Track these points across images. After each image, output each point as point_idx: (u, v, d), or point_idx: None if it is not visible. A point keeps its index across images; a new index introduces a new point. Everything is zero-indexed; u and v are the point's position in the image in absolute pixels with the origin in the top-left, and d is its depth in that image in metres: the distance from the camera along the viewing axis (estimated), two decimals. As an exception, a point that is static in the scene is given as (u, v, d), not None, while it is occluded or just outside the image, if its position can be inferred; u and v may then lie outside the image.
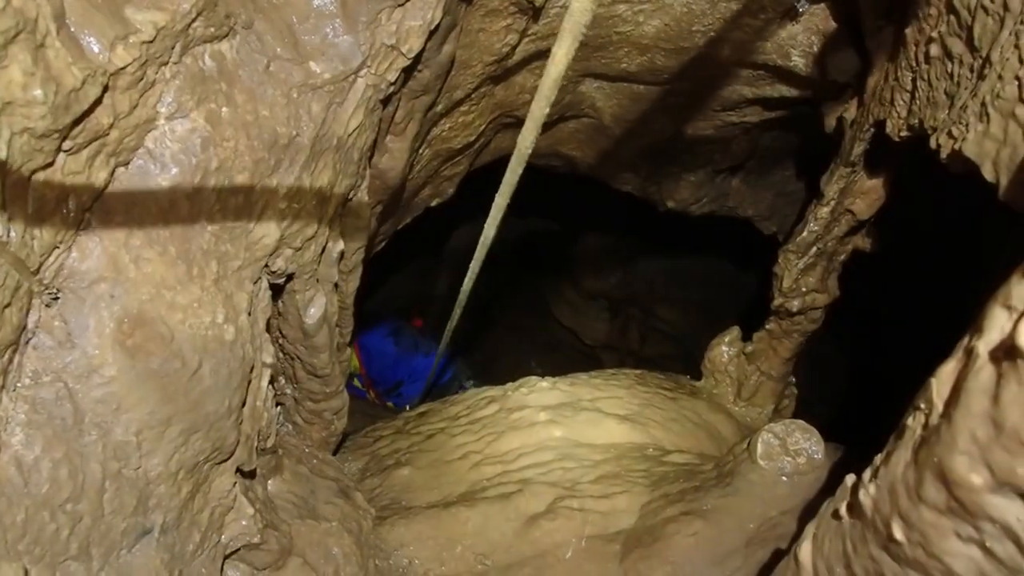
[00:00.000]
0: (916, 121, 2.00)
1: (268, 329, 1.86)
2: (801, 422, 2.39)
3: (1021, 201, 1.43)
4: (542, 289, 7.34)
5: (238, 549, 1.81)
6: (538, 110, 1.42)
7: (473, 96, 2.77)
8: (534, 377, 3.11)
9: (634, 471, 2.58)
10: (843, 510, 1.29)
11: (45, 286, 1.31)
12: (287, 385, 2.42)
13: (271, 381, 1.89)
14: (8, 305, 1.20)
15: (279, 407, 2.44)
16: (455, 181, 3.38)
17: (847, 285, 3.08)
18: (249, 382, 1.72)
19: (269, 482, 2.10)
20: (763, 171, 4.27)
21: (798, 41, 2.75)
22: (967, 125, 1.58)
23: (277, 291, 2.01)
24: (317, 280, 2.08)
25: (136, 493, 1.46)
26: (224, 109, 1.55)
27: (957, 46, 1.73)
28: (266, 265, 1.77)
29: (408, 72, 2.08)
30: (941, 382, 1.07)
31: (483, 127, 3.05)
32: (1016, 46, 1.44)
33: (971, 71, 1.67)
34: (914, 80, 2.02)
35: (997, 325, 0.97)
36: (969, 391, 0.96)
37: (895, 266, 3.94)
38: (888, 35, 2.27)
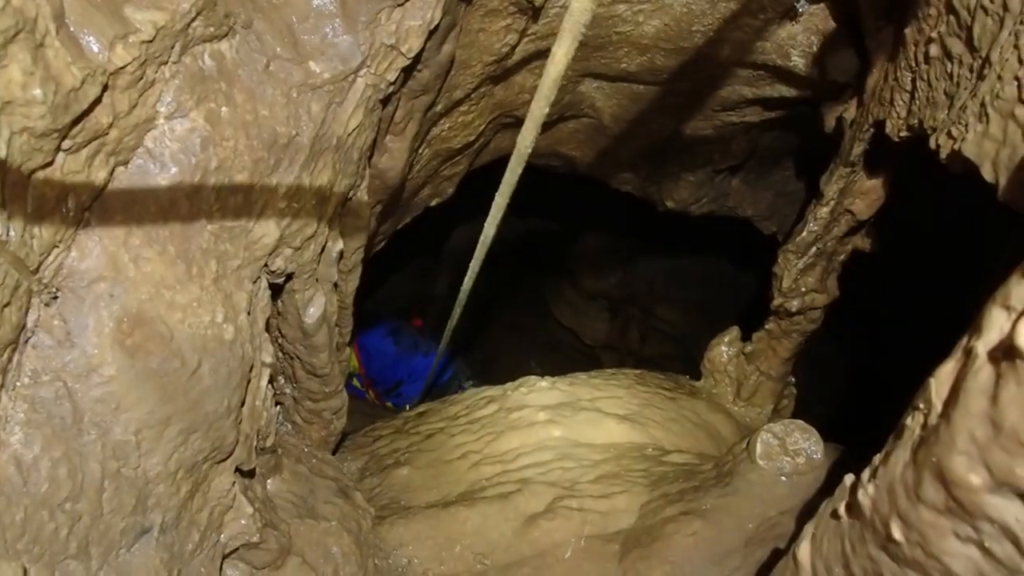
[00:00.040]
0: (916, 121, 2.00)
1: (267, 329, 1.86)
2: (800, 422, 2.39)
3: (1020, 201, 1.43)
4: (542, 289, 7.34)
5: (237, 548, 1.81)
6: (538, 110, 1.42)
7: (473, 96, 2.77)
8: (533, 377, 3.11)
9: (633, 471, 2.58)
10: (842, 510, 1.29)
11: (44, 285, 1.31)
12: (286, 384, 2.42)
13: (270, 380, 1.89)
14: (7, 304, 1.20)
15: (278, 406, 2.44)
16: (455, 181, 3.38)
17: (846, 285, 3.08)
18: (248, 381, 1.72)
19: (268, 481, 2.10)
20: (763, 171, 4.28)
21: (798, 41, 2.75)
22: (966, 125, 1.58)
23: (276, 291, 2.01)
24: (316, 280, 2.08)
25: (135, 492, 1.46)
26: (224, 109, 1.55)
27: (957, 46, 1.73)
28: (265, 264, 1.77)
29: (408, 72, 2.08)
30: (940, 382, 1.07)
31: (483, 127, 3.05)
32: (1015, 46, 1.44)
33: (971, 71, 1.67)
34: (914, 80, 2.02)
35: (996, 325, 0.97)
36: (968, 391, 0.96)
37: (895, 266, 3.94)
38: (888, 35, 2.27)
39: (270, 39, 1.64)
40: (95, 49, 1.27)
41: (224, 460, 1.70)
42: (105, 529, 1.41)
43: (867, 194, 2.68)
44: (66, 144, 1.25)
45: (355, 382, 5.15)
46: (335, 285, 2.22)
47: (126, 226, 1.43)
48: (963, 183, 1.66)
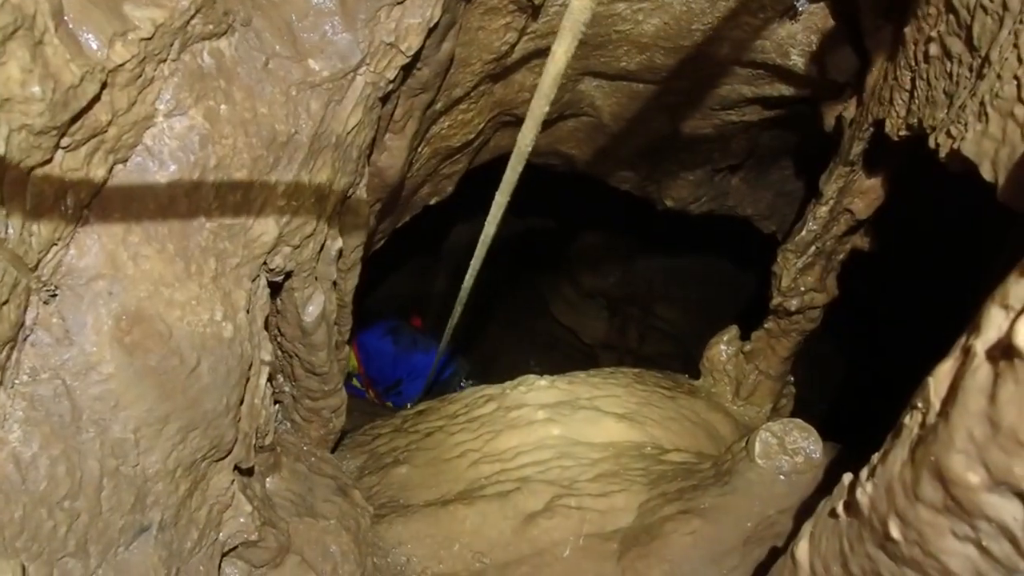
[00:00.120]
0: (915, 120, 2.00)
1: (266, 327, 1.86)
2: (799, 421, 2.39)
3: (1019, 200, 1.43)
4: (541, 288, 7.34)
5: (236, 547, 1.81)
6: (538, 108, 1.42)
7: (472, 94, 2.77)
8: (532, 375, 3.11)
9: (632, 470, 2.58)
10: (840, 509, 1.29)
11: (43, 283, 1.31)
12: (285, 383, 2.42)
13: (269, 379, 1.89)
14: (6, 302, 1.20)
15: (277, 405, 2.44)
16: (454, 179, 3.38)
17: (846, 284, 3.08)
18: (247, 380, 1.72)
19: (267, 480, 2.10)
20: (762, 170, 4.28)
21: (797, 40, 2.75)
22: (966, 124, 1.59)
23: (275, 289, 2.01)
24: (316, 278, 2.08)
25: (134, 490, 1.46)
26: (223, 106, 1.54)
27: (956, 45, 1.73)
28: (264, 263, 1.77)
29: (407, 70, 2.08)
30: (938, 381, 1.07)
31: (482, 125, 3.05)
32: (1015, 45, 1.44)
33: (970, 70, 1.67)
34: (913, 79, 2.02)
35: (994, 324, 0.97)
36: (966, 390, 0.97)
37: (894, 265, 3.94)
38: (887, 34, 2.27)
39: (269, 37, 1.64)
40: (94, 46, 1.27)
41: (223, 458, 1.70)
42: (104, 527, 1.41)
43: (866, 193, 2.68)
44: (65, 142, 1.25)
45: (355, 382, 5.14)
46: (334, 283, 2.22)
47: (125, 224, 1.42)
48: (962, 182, 1.66)
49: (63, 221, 1.31)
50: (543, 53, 2.83)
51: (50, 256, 1.32)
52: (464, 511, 2.40)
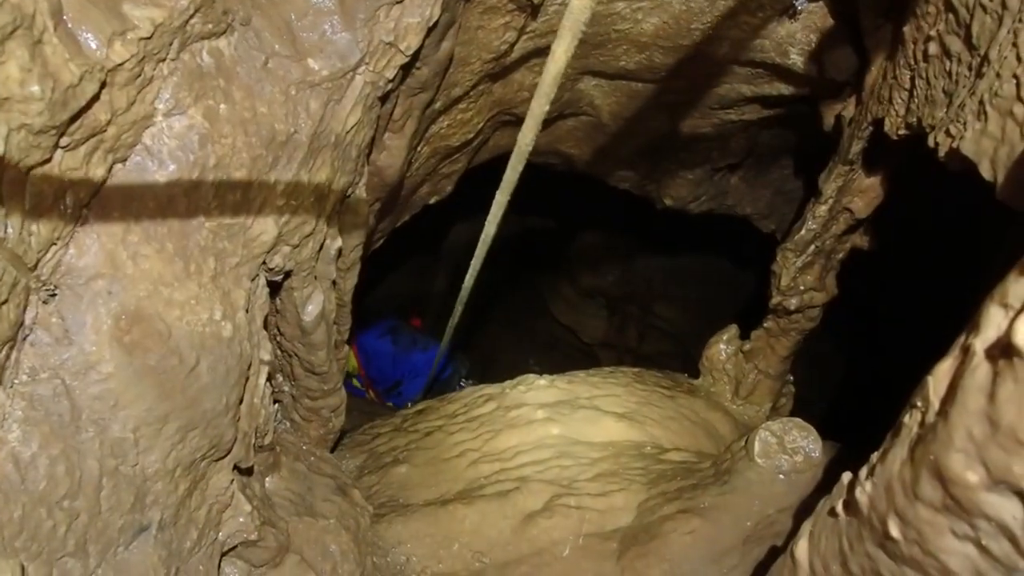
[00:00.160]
0: (914, 119, 2.00)
1: (266, 326, 1.86)
2: (798, 420, 2.40)
3: (1018, 199, 1.43)
4: (540, 287, 7.34)
5: (235, 546, 1.81)
6: (538, 108, 1.42)
7: (471, 94, 2.77)
8: (532, 375, 3.11)
9: (632, 469, 2.58)
10: (840, 508, 1.30)
11: (42, 282, 1.31)
12: (285, 382, 2.42)
13: (269, 378, 1.89)
14: (5, 301, 1.20)
15: (277, 404, 2.44)
16: (453, 179, 3.38)
17: (845, 283, 3.09)
18: (247, 379, 1.72)
19: (267, 479, 2.10)
20: (761, 169, 4.28)
21: (796, 39, 2.75)
22: (965, 123, 1.59)
23: (275, 288, 2.01)
24: (315, 277, 2.08)
25: (133, 490, 1.46)
26: (222, 106, 1.54)
27: (955, 44, 1.73)
28: (264, 262, 1.77)
29: (406, 69, 2.08)
30: (938, 380, 1.07)
31: (481, 125, 3.05)
32: (1014, 44, 1.44)
33: (969, 69, 1.67)
34: (912, 78, 2.02)
35: (994, 323, 0.97)
36: (965, 389, 0.97)
37: (893, 264, 3.95)
38: (886, 33, 2.27)
39: (268, 36, 1.64)
40: (93, 46, 1.26)
41: (222, 458, 1.70)
42: (103, 527, 1.41)
43: (866, 192, 2.68)
44: (64, 141, 1.25)
45: (355, 382, 5.14)
46: (333, 283, 2.22)
47: (124, 223, 1.42)
48: (961, 181, 1.66)
49: (62, 221, 1.31)
50: (542, 52, 2.83)
51: (49, 255, 1.31)
52: (463, 510, 2.41)
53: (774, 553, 1.92)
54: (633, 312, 7.05)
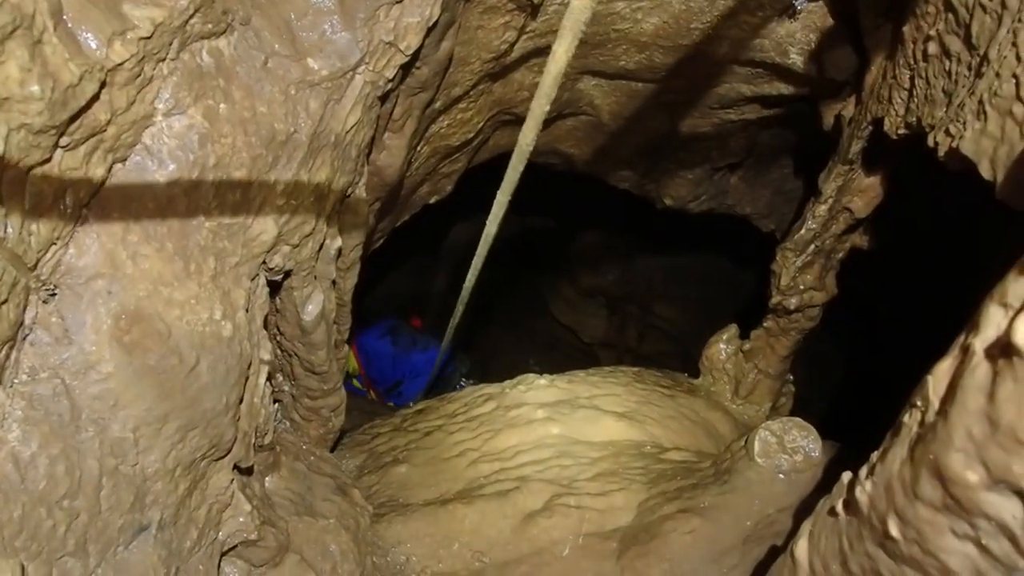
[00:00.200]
0: (914, 119, 2.00)
1: (266, 326, 1.86)
2: (798, 420, 2.40)
3: (1018, 199, 1.43)
4: (540, 287, 7.34)
5: (235, 546, 1.81)
6: (539, 108, 1.42)
7: (471, 93, 2.77)
8: (532, 374, 3.11)
9: (631, 468, 2.58)
10: (839, 507, 1.30)
11: (42, 282, 1.31)
12: (285, 382, 2.42)
13: (269, 378, 1.89)
14: (5, 301, 1.20)
15: (276, 404, 2.44)
16: (453, 178, 3.38)
17: (845, 283, 3.09)
18: (246, 379, 1.72)
19: (266, 479, 2.10)
20: (761, 169, 4.28)
21: (796, 39, 2.75)
22: (964, 123, 1.59)
23: (275, 288, 2.01)
24: (315, 277, 2.08)
25: (133, 490, 1.46)
26: (222, 105, 1.54)
27: (955, 44, 1.73)
28: (264, 262, 1.77)
29: (406, 69, 2.08)
30: (937, 379, 1.07)
31: (481, 124, 3.05)
32: (1014, 44, 1.44)
33: (969, 69, 1.67)
34: (912, 78, 2.02)
35: (993, 323, 0.97)
36: (965, 388, 0.97)
37: (893, 264, 3.95)
38: (886, 33, 2.27)
39: (268, 36, 1.64)
40: (93, 46, 1.26)
41: (222, 457, 1.70)
42: (103, 526, 1.41)
43: (865, 192, 2.68)
44: (64, 141, 1.25)
45: (355, 383, 5.14)
46: (333, 282, 2.22)
47: (124, 223, 1.42)
48: (961, 181, 1.66)
49: (62, 220, 1.31)
50: (542, 52, 2.83)
51: (49, 255, 1.31)
52: (463, 510, 2.41)
53: (774, 553, 1.92)
54: (633, 312, 7.05)
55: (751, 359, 3.24)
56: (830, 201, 2.78)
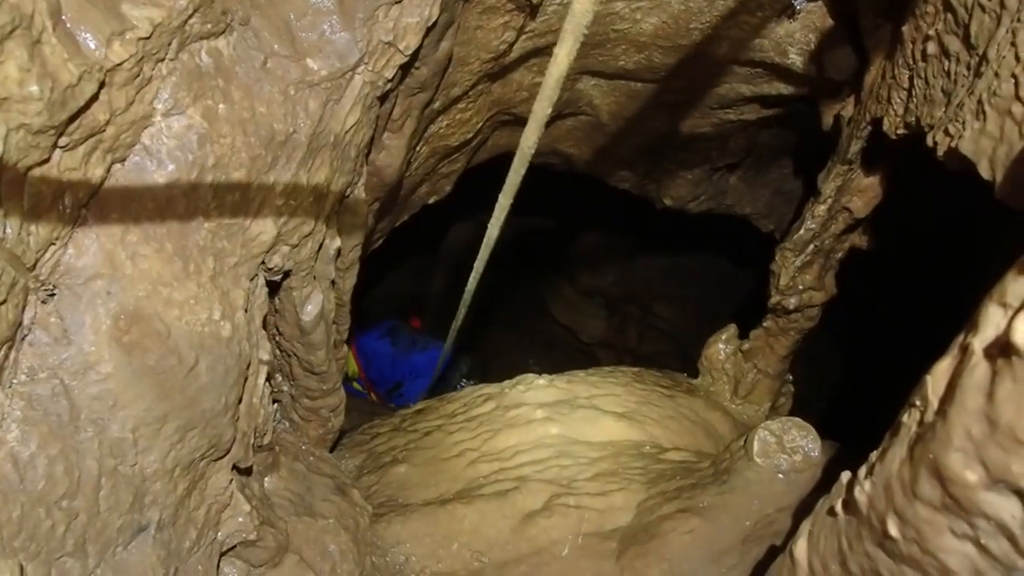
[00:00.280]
0: (913, 119, 2.00)
1: (265, 326, 1.86)
2: (798, 420, 2.40)
3: (1017, 198, 1.43)
4: (540, 287, 7.34)
5: (234, 546, 1.81)
6: (540, 110, 1.42)
7: (471, 93, 2.77)
8: (531, 374, 3.11)
9: (631, 468, 2.58)
10: (839, 507, 1.30)
11: (41, 282, 1.31)
12: (284, 382, 2.42)
13: (268, 378, 1.89)
14: (4, 301, 1.20)
15: (276, 404, 2.43)
16: (452, 178, 3.38)
17: (844, 283, 3.09)
18: (246, 379, 1.72)
19: (266, 479, 2.10)
20: (760, 169, 4.28)
21: (796, 39, 2.75)
22: (964, 123, 1.59)
23: (274, 288, 2.01)
24: (314, 277, 2.08)
25: (132, 490, 1.46)
26: (221, 106, 1.54)
27: (954, 44, 1.73)
28: (263, 262, 1.77)
29: (405, 69, 2.08)
30: (936, 379, 1.07)
31: (480, 124, 3.05)
32: (1013, 44, 1.44)
33: (968, 69, 1.67)
34: (911, 78, 2.02)
35: (992, 322, 0.97)
36: (964, 388, 0.97)
37: (892, 264, 3.95)
38: (885, 33, 2.27)
39: (267, 36, 1.64)
40: (92, 46, 1.26)
41: (221, 458, 1.70)
42: (102, 527, 1.41)
43: (864, 192, 2.68)
44: (63, 141, 1.25)
45: (355, 385, 5.13)
46: (332, 283, 2.22)
47: (123, 223, 1.42)
48: (960, 180, 1.66)
49: (61, 221, 1.31)
50: (541, 52, 2.83)
51: (48, 256, 1.31)
52: (463, 510, 2.41)
53: (773, 552, 1.92)
54: (632, 312, 7.05)
55: (750, 359, 3.24)
56: (829, 201, 2.79)
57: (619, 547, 2.27)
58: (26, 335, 1.31)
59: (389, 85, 1.96)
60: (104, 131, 1.33)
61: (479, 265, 2.28)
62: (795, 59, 2.81)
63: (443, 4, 1.93)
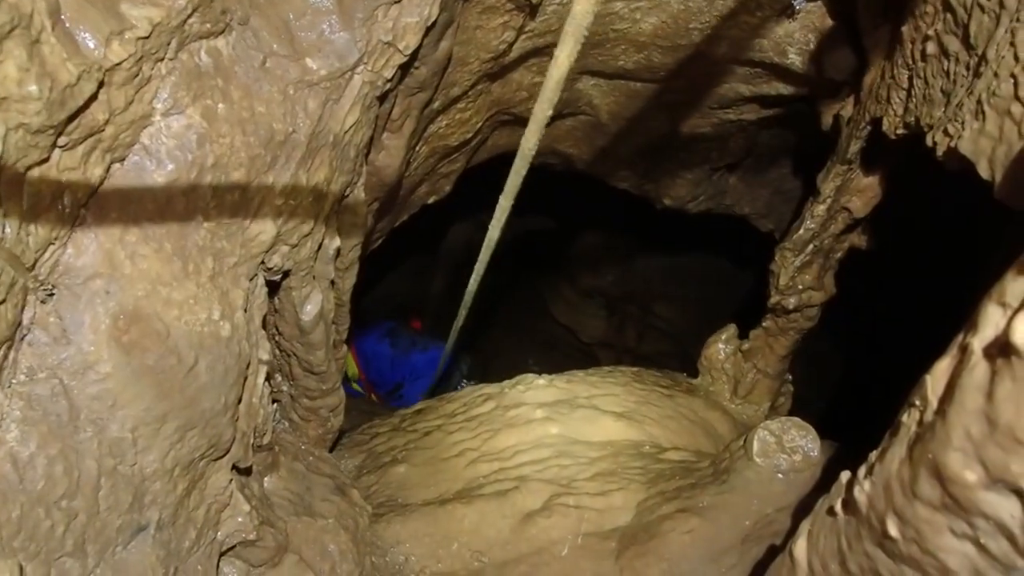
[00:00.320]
0: (912, 119, 2.00)
1: (264, 326, 1.86)
2: (797, 419, 2.40)
3: (1016, 198, 1.44)
4: (540, 287, 7.34)
5: (234, 546, 1.81)
6: (541, 112, 1.42)
7: (470, 93, 2.76)
8: (531, 374, 3.11)
9: (630, 468, 2.58)
10: (838, 507, 1.30)
11: (40, 282, 1.31)
12: (283, 382, 2.42)
13: (267, 378, 1.89)
14: (3, 301, 1.20)
15: (275, 404, 2.43)
16: (452, 178, 3.38)
17: (843, 282, 3.09)
18: (245, 379, 1.72)
19: (265, 479, 2.10)
20: (760, 169, 4.28)
21: (795, 39, 2.75)
22: (963, 123, 1.59)
23: (273, 288, 2.01)
24: (313, 277, 2.08)
25: (132, 490, 1.46)
26: (220, 105, 1.54)
27: (953, 44, 1.73)
28: (262, 262, 1.77)
29: (405, 69, 2.08)
30: (936, 379, 1.07)
31: (480, 124, 3.05)
32: (1012, 43, 1.44)
33: (967, 69, 1.67)
34: (910, 78, 2.02)
35: (991, 322, 0.97)
36: (963, 388, 0.97)
37: (891, 264, 3.95)
38: (885, 33, 2.27)
39: (267, 36, 1.64)
40: (91, 45, 1.26)
41: (221, 457, 1.70)
42: (101, 527, 1.41)
43: (864, 192, 2.68)
44: (62, 141, 1.25)
45: (355, 386, 5.13)
46: (332, 282, 2.22)
47: (122, 223, 1.42)
48: (959, 180, 1.67)
49: (60, 220, 1.31)
50: (541, 52, 2.83)
51: (47, 255, 1.31)
52: (462, 510, 2.40)
53: (773, 552, 1.92)
54: (632, 312, 7.05)
55: (750, 359, 3.24)
56: (828, 201, 2.79)
57: (618, 547, 2.27)
58: (25, 335, 1.31)
59: (388, 85, 1.96)
60: (103, 131, 1.33)
61: (480, 267, 2.28)
62: (794, 59, 2.81)
63: (442, 4, 1.93)
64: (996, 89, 1.47)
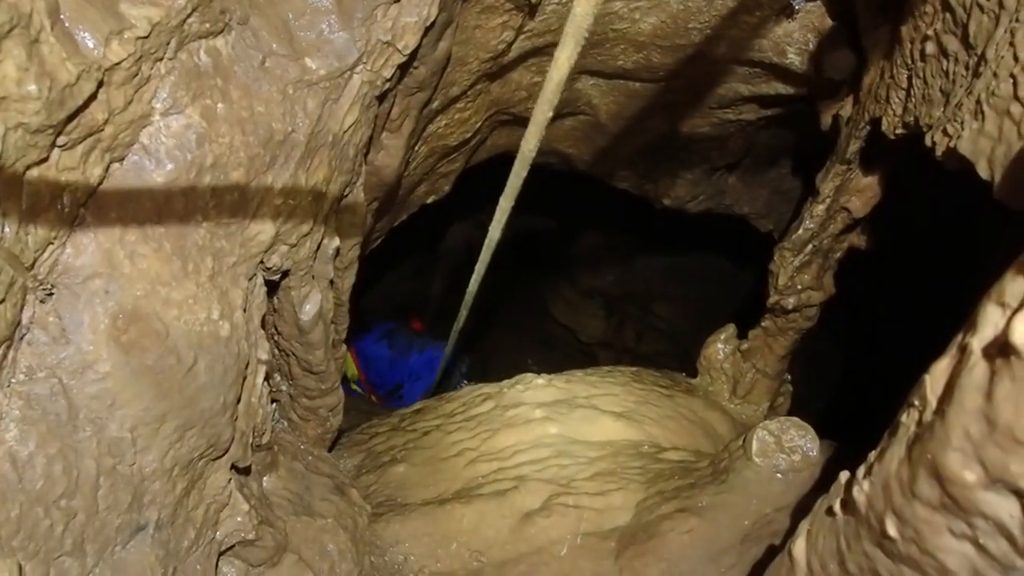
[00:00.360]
0: (911, 119, 2.00)
1: (263, 326, 1.86)
2: (796, 419, 2.40)
3: (1015, 198, 1.44)
4: (539, 287, 7.33)
5: (233, 546, 1.81)
6: (541, 114, 1.42)
7: (469, 93, 2.76)
8: (530, 374, 3.11)
9: (629, 468, 2.58)
10: (837, 506, 1.30)
11: (40, 282, 1.31)
12: (282, 382, 2.42)
13: (266, 378, 1.89)
14: (2, 301, 1.20)
15: (274, 404, 2.43)
16: (451, 178, 3.38)
17: (843, 282, 3.09)
18: (244, 379, 1.72)
19: (264, 479, 2.10)
20: (759, 169, 4.28)
21: (794, 39, 2.75)
22: (962, 123, 1.59)
23: (272, 288, 2.01)
24: (312, 277, 2.08)
25: (131, 489, 1.46)
26: (219, 105, 1.54)
27: (952, 44, 1.73)
28: (261, 261, 1.77)
29: (404, 69, 2.08)
30: (935, 379, 1.07)
31: (479, 124, 3.05)
32: (1011, 43, 1.44)
33: (966, 69, 1.67)
34: (909, 78, 2.02)
35: (991, 322, 0.97)
36: (963, 388, 0.97)
37: (890, 263, 3.95)
38: (884, 33, 2.27)
39: (266, 35, 1.64)
40: (90, 45, 1.26)
41: (220, 457, 1.70)
42: (100, 526, 1.41)
43: (863, 191, 2.68)
44: (61, 140, 1.25)
45: (355, 387, 5.13)
46: (331, 282, 2.22)
47: (121, 223, 1.42)
48: (959, 180, 1.67)
49: (59, 220, 1.31)
50: (540, 52, 2.83)
51: (46, 255, 1.31)
52: (462, 510, 2.40)
53: (772, 552, 1.92)
54: (631, 311, 7.05)
55: (749, 359, 3.24)
56: (828, 201, 2.79)
57: (618, 547, 2.27)
58: (24, 334, 1.31)
59: (387, 85, 1.96)
60: (102, 130, 1.33)
61: (480, 268, 2.28)
62: (794, 59, 2.81)
63: (441, 3, 1.93)
64: (995, 89, 1.47)
